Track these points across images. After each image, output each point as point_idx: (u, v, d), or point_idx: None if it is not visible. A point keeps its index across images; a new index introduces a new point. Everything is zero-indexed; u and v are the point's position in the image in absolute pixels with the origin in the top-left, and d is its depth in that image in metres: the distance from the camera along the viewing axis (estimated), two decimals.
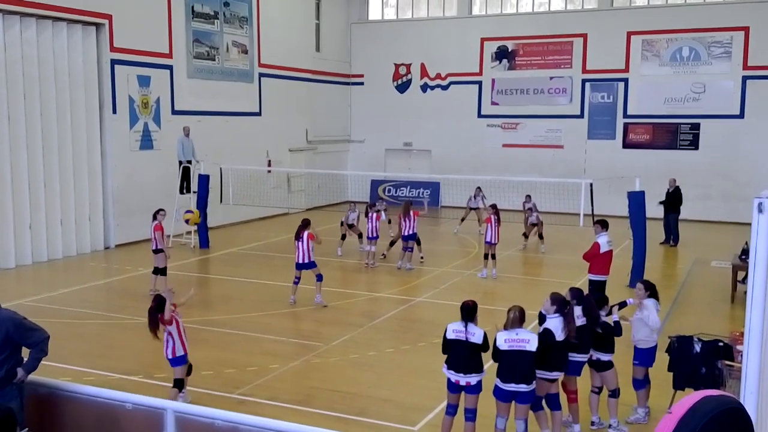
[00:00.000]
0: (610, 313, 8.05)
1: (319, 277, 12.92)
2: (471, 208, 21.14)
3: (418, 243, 16.52)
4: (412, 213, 15.92)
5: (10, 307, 6.09)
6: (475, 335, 7.12)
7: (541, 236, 18.65)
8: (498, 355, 7.06)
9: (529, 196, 20.17)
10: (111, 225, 18.86)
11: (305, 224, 12.95)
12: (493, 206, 15.53)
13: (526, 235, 18.97)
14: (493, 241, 15.10)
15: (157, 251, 13.68)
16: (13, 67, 16.24)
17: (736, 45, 24.18)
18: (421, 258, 16.71)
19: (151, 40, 19.76)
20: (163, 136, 20.10)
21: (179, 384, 8.22)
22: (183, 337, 8.27)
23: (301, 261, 12.79)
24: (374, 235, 16.16)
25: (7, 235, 16.22)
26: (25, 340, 5.69)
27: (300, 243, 12.74)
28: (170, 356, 8.23)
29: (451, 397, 7.29)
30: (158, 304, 8.13)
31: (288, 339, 11.11)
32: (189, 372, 8.42)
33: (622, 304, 8.38)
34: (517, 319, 7.08)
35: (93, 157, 18.43)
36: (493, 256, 15.20)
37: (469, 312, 7.20)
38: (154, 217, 13.78)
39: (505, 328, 7.12)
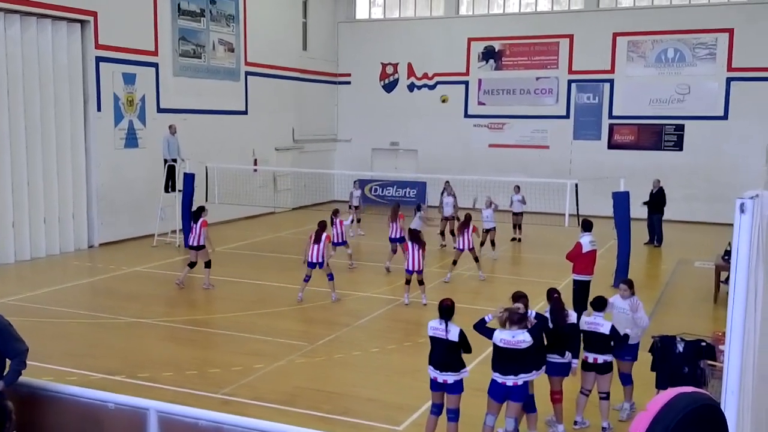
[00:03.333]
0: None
1: (331, 276, 13.23)
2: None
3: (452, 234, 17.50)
4: (398, 217, 16.07)
5: None
6: (451, 332, 7.18)
7: (492, 242, 17.78)
8: (494, 348, 7.15)
9: (517, 187, 19.98)
10: (95, 224, 18.71)
11: (324, 226, 13.35)
12: (467, 216, 15.17)
13: (515, 227, 19.74)
14: (461, 248, 14.87)
15: (199, 247, 14.16)
16: None
17: (721, 47, 24.38)
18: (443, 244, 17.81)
19: (136, 38, 19.62)
20: (149, 134, 19.98)
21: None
22: None
23: (314, 260, 13.03)
24: (340, 240, 15.86)
25: None
26: (4, 345, 5.60)
27: (317, 244, 12.99)
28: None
29: (434, 396, 7.33)
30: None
31: (273, 339, 11.08)
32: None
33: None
34: (513, 320, 7.14)
35: (77, 155, 18.28)
36: (454, 262, 15.06)
37: (447, 310, 7.27)
38: (199, 215, 14.24)
39: (502, 327, 7.17)
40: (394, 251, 15.97)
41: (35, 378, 6.06)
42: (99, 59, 18.53)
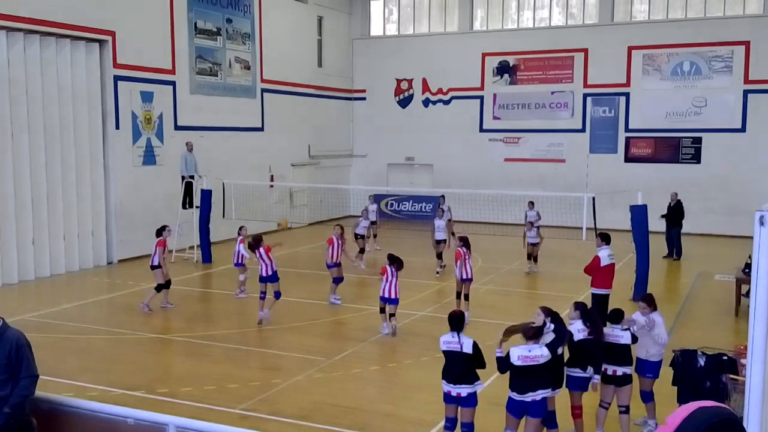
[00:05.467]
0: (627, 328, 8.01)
1: (278, 295, 12.64)
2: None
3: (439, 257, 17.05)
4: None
5: (14, 323, 6.08)
6: (465, 345, 7.15)
7: (535, 258, 17.78)
8: (511, 368, 7.01)
9: (531, 203, 19.19)
10: (114, 240, 18.88)
11: (258, 240, 12.85)
12: (463, 239, 13.21)
13: (530, 257, 17.91)
14: (465, 277, 12.91)
15: (154, 267, 13.72)
16: (16, 84, 16.34)
17: (737, 59, 24.26)
18: (438, 270, 17.16)
19: (154, 57, 19.87)
20: (166, 151, 20.17)
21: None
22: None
23: (264, 274, 12.68)
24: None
25: (10, 250, 16.24)
26: (18, 363, 5.61)
27: (259, 256, 12.67)
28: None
29: (448, 410, 7.29)
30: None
31: (290, 354, 11.09)
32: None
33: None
34: (527, 335, 7.06)
35: (96, 172, 18.49)
36: (466, 297, 12.99)
37: (457, 321, 7.25)
38: (159, 234, 13.90)
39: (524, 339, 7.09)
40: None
41: (56, 394, 6.11)
42: (117, 78, 18.76)
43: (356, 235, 18.55)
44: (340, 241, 14.60)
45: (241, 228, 15.18)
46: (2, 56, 16.04)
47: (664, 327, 8.28)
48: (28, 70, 16.61)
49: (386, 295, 11.96)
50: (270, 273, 12.73)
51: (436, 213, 18.90)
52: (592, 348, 7.67)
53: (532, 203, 19.41)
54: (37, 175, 16.89)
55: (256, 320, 12.80)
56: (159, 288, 13.71)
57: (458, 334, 7.19)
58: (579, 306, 8.01)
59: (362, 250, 18.45)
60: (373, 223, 20.36)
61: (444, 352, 7.26)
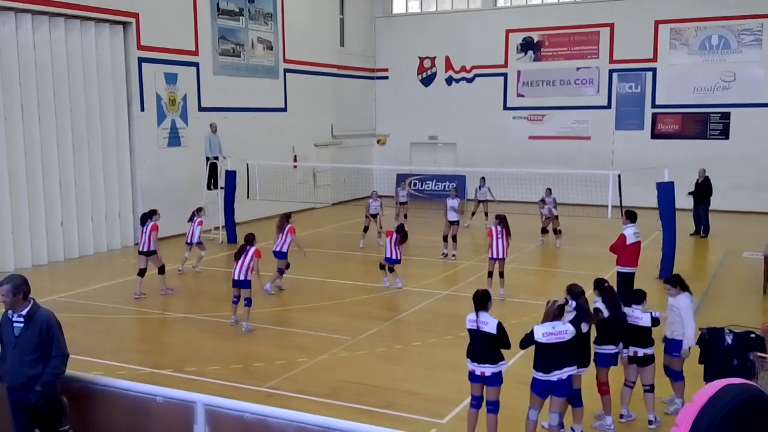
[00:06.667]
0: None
1: (248, 302, 11.42)
2: (479, 201, 21.06)
3: (454, 240, 16.77)
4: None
5: (44, 303, 6.19)
6: (488, 324, 7.11)
7: (556, 231, 18.29)
8: (536, 347, 6.99)
9: (549, 190, 19.00)
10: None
11: (250, 239, 11.82)
12: (499, 217, 13.45)
13: (544, 230, 18.60)
14: (498, 256, 13.09)
15: (150, 252, 13.35)
16: (42, 67, 16.49)
17: (767, 32, 23.74)
18: (453, 255, 16.74)
19: (177, 38, 19.92)
20: (190, 132, 20.28)
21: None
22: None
23: (236, 277, 11.43)
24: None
25: (39, 231, 16.49)
26: (49, 343, 5.73)
27: (242, 260, 11.42)
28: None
29: (473, 388, 7.29)
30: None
31: (315, 333, 11.17)
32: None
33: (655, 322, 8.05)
34: (554, 312, 7.04)
35: (122, 154, 18.67)
36: (501, 275, 13.15)
37: (480, 301, 7.22)
38: (148, 218, 13.54)
39: (543, 320, 7.07)
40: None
41: (86, 372, 6.23)
42: (141, 60, 18.86)
43: (372, 215, 18.48)
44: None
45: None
46: (28, 40, 16.18)
47: (691, 310, 8.14)
48: (54, 53, 16.75)
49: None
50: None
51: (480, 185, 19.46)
52: (613, 327, 7.65)
53: (549, 190, 19.13)
54: (64, 158, 17.09)
55: (282, 300, 12.91)
56: (161, 270, 13.55)
57: (478, 313, 7.18)
58: (597, 284, 8.01)
59: (366, 229, 18.20)
60: (402, 204, 20.75)
61: (468, 330, 7.27)
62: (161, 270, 13.60)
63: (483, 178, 21.31)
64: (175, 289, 13.94)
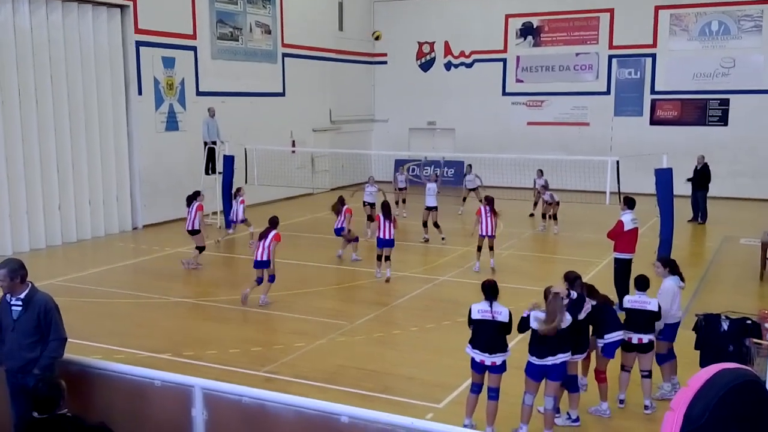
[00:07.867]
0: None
1: (272, 278, 11.93)
2: (469, 189, 20.98)
3: (436, 226, 16.64)
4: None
5: (42, 287, 6.20)
6: (502, 314, 7.10)
7: (554, 217, 18.32)
8: (532, 333, 7.02)
9: (540, 171, 19.63)
10: (138, 206, 19.07)
11: (275, 222, 12.18)
12: (487, 198, 14.21)
13: (544, 216, 18.68)
14: (487, 234, 13.82)
15: (194, 232, 14.29)
16: (39, 51, 16.40)
17: (767, 19, 23.65)
18: (443, 238, 16.74)
19: (175, 22, 19.81)
20: (188, 117, 20.22)
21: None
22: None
23: (259, 258, 11.79)
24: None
25: (37, 215, 16.48)
26: (47, 327, 5.75)
27: (263, 241, 11.79)
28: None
29: (476, 377, 7.29)
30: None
31: (313, 318, 11.20)
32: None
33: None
34: (562, 309, 7.02)
35: (119, 138, 18.62)
36: (491, 248, 14.00)
37: (492, 290, 7.18)
38: (194, 199, 14.40)
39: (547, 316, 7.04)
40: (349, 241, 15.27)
41: (84, 356, 6.25)
42: (139, 43, 18.76)
43: (364, 203, 18.37)
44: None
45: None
46: (25, 23, 16.09)
47: (671, 295, 8.12)
48: (51, 36, 16.66)
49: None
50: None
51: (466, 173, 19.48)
52: (610, 313, 7.68)
53: (540, 171, 19.74)
54: (61, 142, 17.04)
55: (280, 285, 12.93)
56: (201, 250, 14.33)
57: (492, 303, 7.14)
58: (567, 277, 7.61)
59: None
60: (401, 189, 20.74)
61: (477, 320, 7.16)
62: (201, 249, 14.30)
63: (470, 165, 21.36)
64: (203, 266, 14.44)
